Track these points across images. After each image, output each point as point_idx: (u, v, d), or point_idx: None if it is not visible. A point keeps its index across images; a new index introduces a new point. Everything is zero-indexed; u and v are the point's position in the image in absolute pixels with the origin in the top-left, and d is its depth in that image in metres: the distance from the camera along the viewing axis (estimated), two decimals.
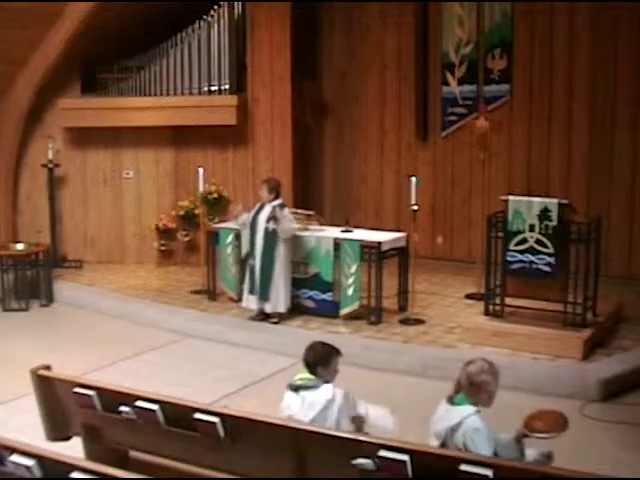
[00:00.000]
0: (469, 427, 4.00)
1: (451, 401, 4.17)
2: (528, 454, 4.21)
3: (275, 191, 8.48)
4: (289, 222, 8.42)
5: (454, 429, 4.03)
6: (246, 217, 8.59)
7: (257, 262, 8.48)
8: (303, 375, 4.57)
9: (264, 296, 8.48)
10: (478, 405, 4.12)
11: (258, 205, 8.61)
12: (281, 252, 8.44)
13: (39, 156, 10.89)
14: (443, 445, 4.07)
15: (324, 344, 4.70)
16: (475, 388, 4.09)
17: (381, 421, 4.67)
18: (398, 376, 7.37)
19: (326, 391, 4.46)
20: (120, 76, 10.89)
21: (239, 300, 8.92)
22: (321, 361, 4.57)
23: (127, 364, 7.80)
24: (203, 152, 10.98)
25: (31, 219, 11.16)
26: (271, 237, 8.38)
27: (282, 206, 8.47)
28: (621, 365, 7.08)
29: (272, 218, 8.32)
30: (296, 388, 4.53)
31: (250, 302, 8.62)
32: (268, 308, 8.54)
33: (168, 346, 8.42)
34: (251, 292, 8.59)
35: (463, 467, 3.50)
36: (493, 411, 6.52)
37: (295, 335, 8.17)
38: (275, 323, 8.53)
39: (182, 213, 10.90)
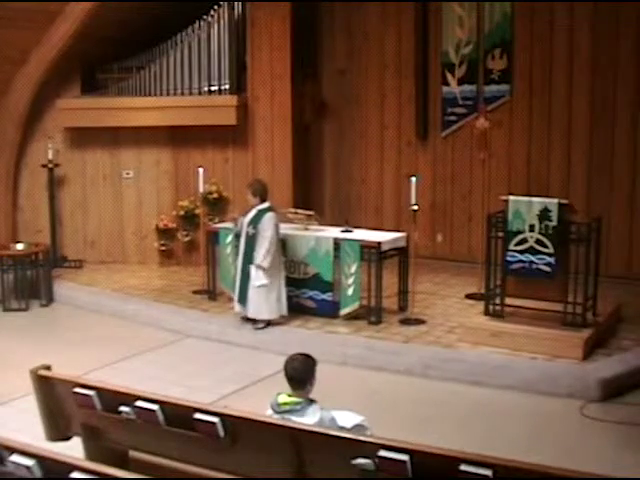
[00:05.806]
0: None
1: None
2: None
3: (259, 194, 8.27)
4: (261, 249, 8.13)
5: None
6: (241, 221, 8.46)
7: (238, 266, 8.40)
8: (287, 398, 4.32)
9: (242, 301, 8.35)
10: None
11: (249, 209, 8.46)
12: None
13: (39, 156, 10.89)
14: None
15: (306, 356, 4.44)
16: None
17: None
18: (398, 376, 7.37)
19: (313, 415, 4.26)
20: (120, 76, 10.91)
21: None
22: (309, 376, 4.35)
23: (127, 364, 7.80)
24: (203, 152, 10.98)
25: (31, 219, 11.16)
26: (252, 241, 8.24)
27: (268, 210, 8.24)
28: (621, 365, 7.08)
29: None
30: (281, 412, 4.28)
31: (236, 306, 8.54)
32: (249, 313, 8.36)
33: (168, 346, 8.42)
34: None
35: (463, 467, 3.49)
36: (494, 411, 6.55)
37: (295, 335, 8.18)
38: (259, 329, 8.35)
39: (182, 213, 10.90)
